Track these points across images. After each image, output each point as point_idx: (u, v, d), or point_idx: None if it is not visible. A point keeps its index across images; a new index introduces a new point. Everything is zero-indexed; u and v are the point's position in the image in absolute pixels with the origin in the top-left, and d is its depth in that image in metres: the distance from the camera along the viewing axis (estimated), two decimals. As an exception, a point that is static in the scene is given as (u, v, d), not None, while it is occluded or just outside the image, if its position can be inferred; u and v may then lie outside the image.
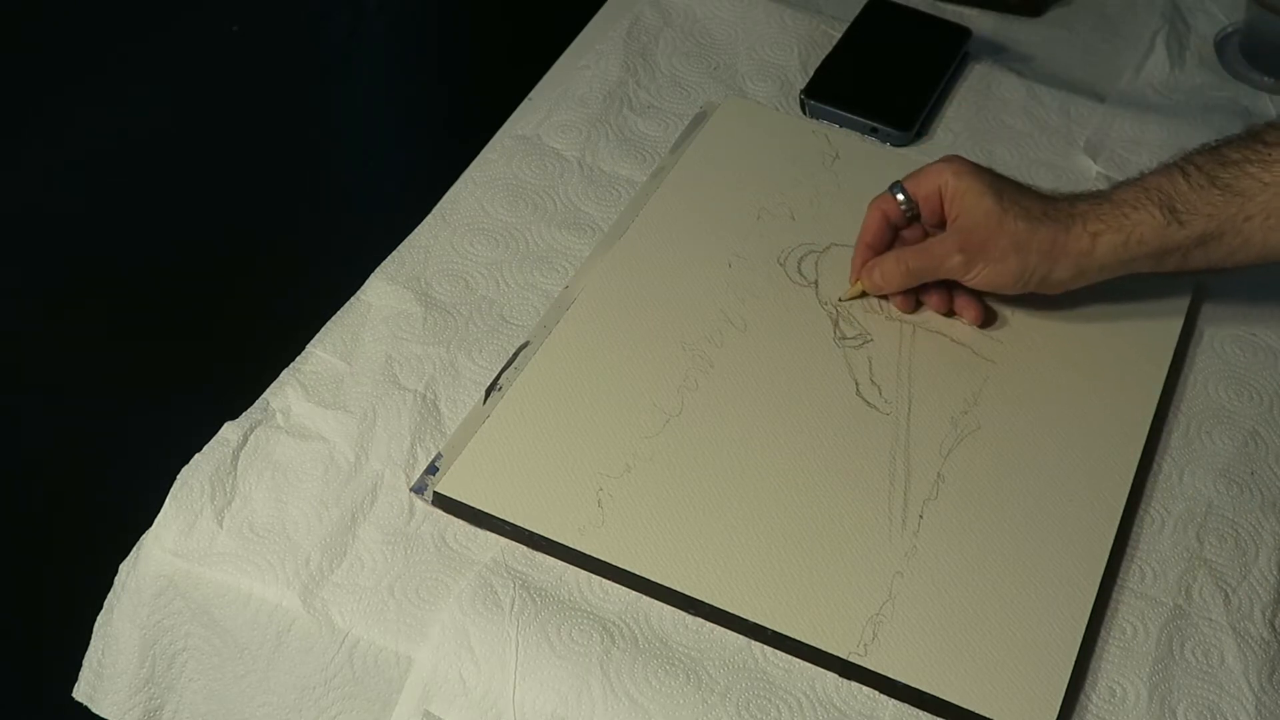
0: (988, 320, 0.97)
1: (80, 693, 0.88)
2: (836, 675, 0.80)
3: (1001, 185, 0.92)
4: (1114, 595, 0.85)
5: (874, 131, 1.11)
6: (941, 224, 0.95)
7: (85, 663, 0.88)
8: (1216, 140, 0.91)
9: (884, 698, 0.79)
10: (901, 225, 0.96)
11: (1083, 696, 0.81)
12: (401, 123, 2.22)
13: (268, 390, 0.90)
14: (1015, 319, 0.97)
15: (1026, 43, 1.23)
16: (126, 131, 2.08)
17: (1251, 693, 0.81)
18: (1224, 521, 0.89)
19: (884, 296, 0.97)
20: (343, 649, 0.81)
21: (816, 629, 0.80)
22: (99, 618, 0.87)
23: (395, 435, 0.88)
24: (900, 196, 0.95)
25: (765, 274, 0.99)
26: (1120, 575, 0.86)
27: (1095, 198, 0.92)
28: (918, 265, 0.94)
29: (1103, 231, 0.90)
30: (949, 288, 0.96)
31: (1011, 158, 1.11)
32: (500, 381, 0.91)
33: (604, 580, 0.83)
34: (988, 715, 0.78)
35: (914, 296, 0.97)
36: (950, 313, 0.97)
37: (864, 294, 0.97)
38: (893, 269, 0.95)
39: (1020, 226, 0.90)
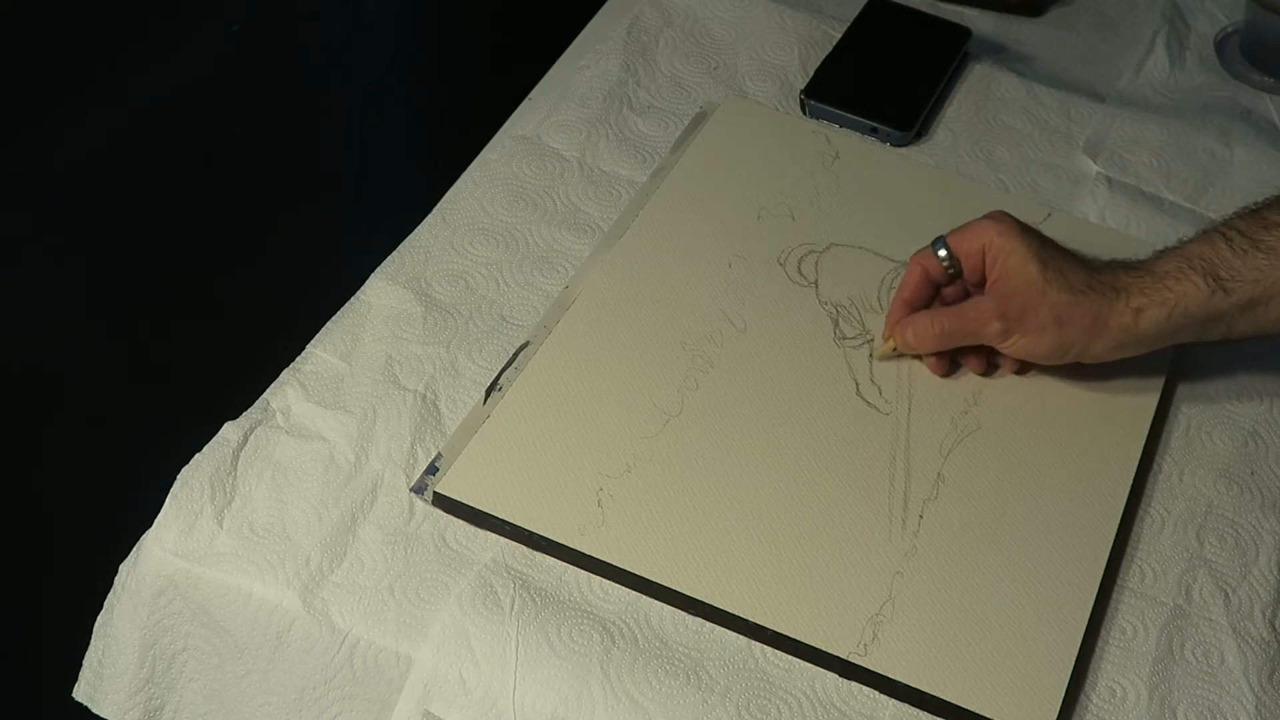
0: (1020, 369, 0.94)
1: (80, 693, 0.88)
2: (836, 675, 0.80)
3: (1046, 252, 0.88)
4: (1114, 595, 0.85)
5: (874, 131, 1.11)
6: (983, 283, 0.91)
7: (85, 663, 0.88)
8: (1255, 203, 0.89)
9: (884, 698, 0.79)
10: (943, 282, 0.93)
11: (1083, 696, 0.81)
12: (401, 123, 2.21)
13: (268, 390, 0.90)
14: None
15: (1026, 43, 1.23)
16: (126, 131, 2.08)
17: (1251, 693, 0.81)
18: (1224, 521, 0.89)
19: (917, 356, 0.94)
20: (343, 649, 0.81)
21: (816, 629, 0.80)
22: (99, 618, 0.87)
23: (395, 435, 0.88)
24: (942, 253, 0.91)
25: (765, 274, 0.99)
26: (1120, 575, 0.86)
27: (1136, 269, 0.88)
28: (953, 328, 0.91)
29: (1146, 307, 0.87)
30: (988, 352, 0.93)
31: (1011, 158, 1.11)
32: (500, 381, 0.91)
33: (604, 580, 0.83)
34: (988, 715, 0.78)
35: (949, 359, 0.93)
36: (989, 371, 0.94)
37: (896, 352, 0.93)
38: (926, 330, 0.92)
39: (1062, 299, 0.87)
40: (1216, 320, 0.87)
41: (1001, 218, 0.91)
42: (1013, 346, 0.90)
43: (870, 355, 0.94)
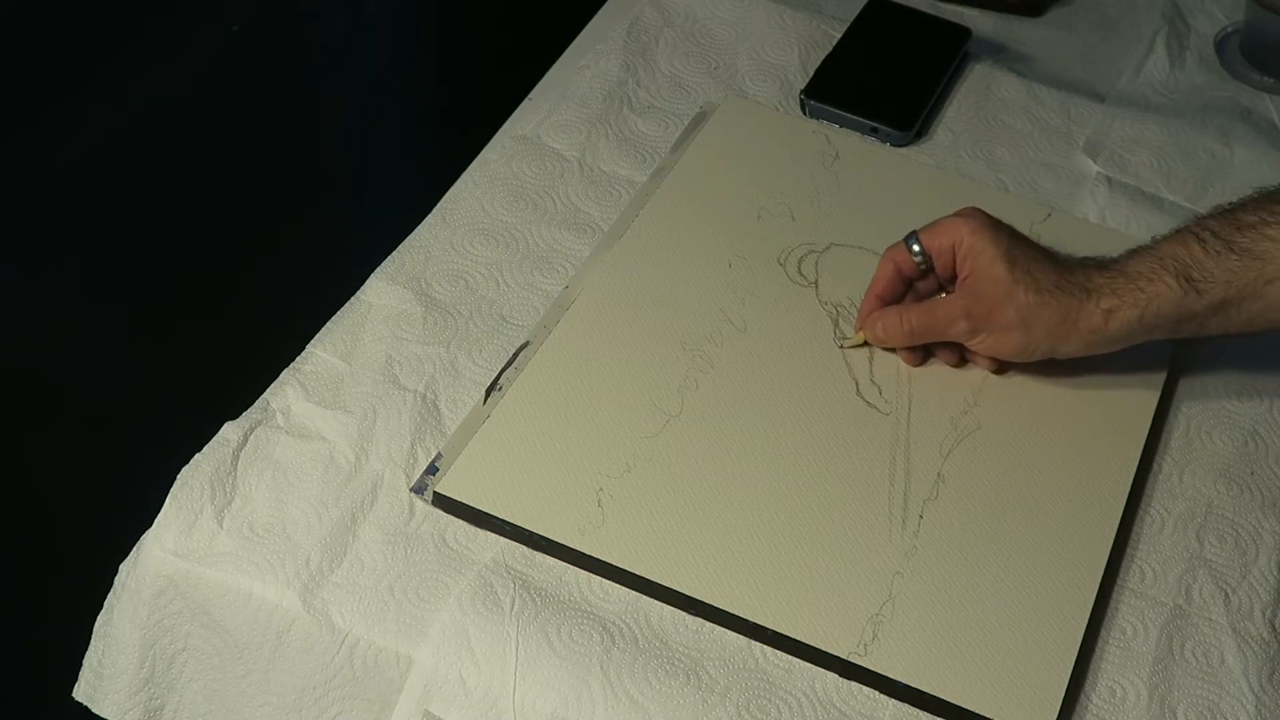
0: (1001, 367, 0.94)
1: (80, 693, 0.88)
2: (836, 675, 0.80)
3: (1015, 251, 0.88)
4: (1114, 595, 0.85)
5: (874, 131, 1.11)
6: (954, 278, 0.91)
7: (85, 663, 0.88)
8: (1229, 203, 0.89)
9: (884, 698, 0.79)
10: (915, 277, 0.93)
11: (1083, 696, 0.81)
12: (401, 123, 2.22)
13: (268, 390, 0.90)
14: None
15: (1026, 43, 1.23)
16: (126, 131, 2.08)
17: (1251, 693, 0.81)
18: (1224, 521, 0.89)
19: (890, 349, 0.94)
20: (343, 649, 0.81)
21: (816, 629, 0.80)
22: (99, 618, 0.87)
23: (395, 435, 0.88)
24: (915, 248, 0.92)
25: (765, 274, 0.99)
26: (1120, 575, 0.86)
27: (1108, 269, 0.88)
28: (921, 326, 0.92)
29: (1118, 308, 0.87)
30: (960, 346, 0.93)
31: (1011, 158, 1.11)
32: (500, 381, 0.91)
33: (604, 580, 0.83)
34: (988, 715, 0.78)
35: (921, 351, 0.94)
36: (961, 364, 0.94)
37: (866, 344, 0.94)
38: (895, 325, 0.92)
39: (1029, 299, 0.87)
40: (1188, 320, 0.88)
41: (973, 214, 0.90)
42: (980, 344, 0.91)
43: (839, 344, 0.94)
